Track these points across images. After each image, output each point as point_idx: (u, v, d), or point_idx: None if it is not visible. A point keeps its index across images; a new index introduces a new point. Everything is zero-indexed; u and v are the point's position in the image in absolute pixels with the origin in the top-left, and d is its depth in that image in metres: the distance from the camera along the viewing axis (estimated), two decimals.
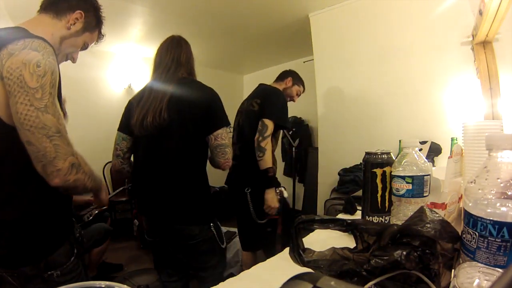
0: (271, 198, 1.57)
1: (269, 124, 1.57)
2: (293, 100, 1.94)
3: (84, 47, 0.95)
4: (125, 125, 1.24)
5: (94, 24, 0.93)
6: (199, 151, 1.18)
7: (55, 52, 0.76)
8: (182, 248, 1.22)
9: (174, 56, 1.21)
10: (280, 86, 1.85)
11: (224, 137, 1.16)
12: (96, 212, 2.18)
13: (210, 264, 1.26)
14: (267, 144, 1.55)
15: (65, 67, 0.91)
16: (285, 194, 1.67)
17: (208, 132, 1.14)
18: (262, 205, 1.59)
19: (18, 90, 0.68)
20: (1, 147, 0.73)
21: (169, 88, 1.14)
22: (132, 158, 1.31)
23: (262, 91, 1.75)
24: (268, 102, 1.64)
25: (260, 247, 1.79)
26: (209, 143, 1.16)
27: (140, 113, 1.14)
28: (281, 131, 1.94)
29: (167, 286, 1.33)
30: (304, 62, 3.82)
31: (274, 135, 1.71)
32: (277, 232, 1.66)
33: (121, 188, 2.94)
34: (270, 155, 1.57)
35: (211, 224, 1.22)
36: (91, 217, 2.09)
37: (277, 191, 1.65)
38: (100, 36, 1.00)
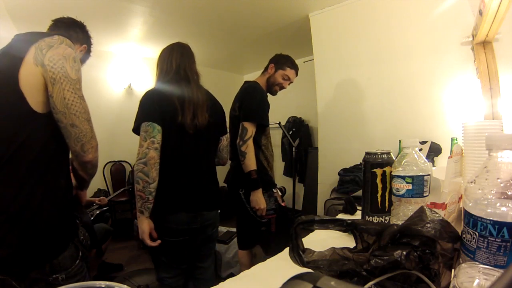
0: (256, 200, 1.58)
1: (249, 127, 1.58)
2: (283, 87, 1.81)
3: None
4: (159, 117, 1.16)
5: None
6: (216, 148, 1.42)
7: None
8: (208, 239, 1.35)
9: (193, 65, 1.35)
10: (264, 77, 1.79)
11: (228, 139, 1.46)
12: (98, 212, 2.19)
13: (212, 252, 1.46)
14: (247, 147, 1.56)
15: None
16: (280, 193, 1.73)
17: (223, 133, 1.41)
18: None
19: (64, 79, 0.78)
20: (22, 133, 0.76)
21: (203, 93, 1.29)
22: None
23: (241, 93, 1.73)
24: (245, 104, 1.63)
25: (254, 244, 1.81)
26: (220, 143, 1.41)
27: (187, 113, 1.20)
28: (281, 130, 1.99)
29: (171, 284, 1.30)
30: (304, 62, 3.82)
31: (264, 134, 1.71)
32: (271, 231, 1.68)
33: (122, 189, 2.95)
34: (252, 158, 1.57)
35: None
36: (92, 218, 2.10)
37: (274, 191, 1.68)
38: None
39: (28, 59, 0.76)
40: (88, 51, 1.16)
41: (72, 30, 1.07)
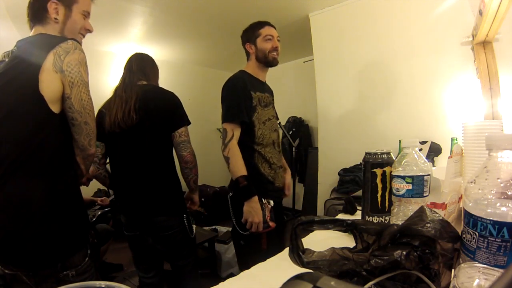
0: (249, 211, 1.32)
1: (227, 128, 1.37)
2: (276, 48, 1.49)
3: (87, 13, 0.99)
4: (99, 133, 1.20)
5: None
6: (167, 147, 1.37)
7: None
8: (161, 239, 1.36)
9: (139, 64, 1.44)
10: (251, 61, 1.55)
11: (186, 134, 1.38)
12: (99, 213, 2.19)
13: (185, 253, 1.43)
14: (229, 151, 1.34)
15: None
16: (271, 204, 1.42)
17: (172, 130, 1.35)
18: (241, 213, 1.36)
19: (81, 82, 0.89)
20: (41, 134, 0.83)
21: (133, 93, 1.32)
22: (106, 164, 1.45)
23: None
24: (221, 104, 1.45)
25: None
26: (173, 140, 1.36)
27: (110, 115, 1.30)
28: (281, 130, 1.77)
29: (144, 282, 1.44)
30: (304, 62, 3.83)
31: (254, 133, 1.43)
32: (261, 248, 1.39)
33: None
34: (237, 162, 1.33)
35: (184, 216, 1.41)
36: (94, 218, 2.10)
37: (264, 202, 1.38)
38: None
39: (48, 66, 0.82)
40: None
41: None
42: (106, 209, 2.27)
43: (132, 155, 1.31)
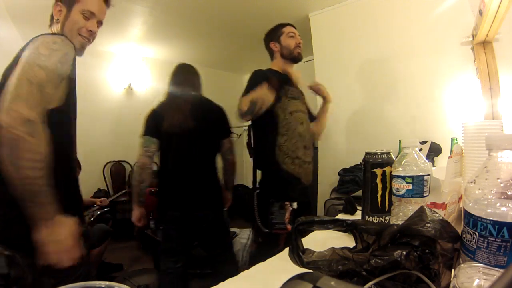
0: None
1: None
2: (299, 45, 1.56)
3: (89, 14, 0.96)
4: (154, 130, 1.44)
5: None
6: (215, 151, 1.57)
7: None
8: (205, 230, 1.53)
9: (190, 77, 1.60)
10: (276, 59, 1.61)
11: (232, 141, 1.60)
12: (98, 213, 2.19)
13: (224, 241, 1.63)
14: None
15: None
16: (293, 206, 1.41)
17: (223, 138, 1.57)
18: (265, 211, 1.41)
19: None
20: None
21: (188, 102, 1.48)
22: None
23: None
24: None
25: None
26: (222, 145, 1.57)
27: (168, 117, 1.43)
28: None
29: (171, 271, 1.51)
30: (304, 62, 3.80)
31: (271, 124, 1.49)
32: (278, 247, 1.39)
33: (123, 191, 2.95)
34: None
35: (224, 210, 1.61)
36: (92, 218, 2.10)
37: (286, 203, 1.40)
38: None
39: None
40: None
41: None
42: (105, 209, 2.27)
43: (187, 155, 1.46)
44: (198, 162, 1.48)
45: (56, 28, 0.94)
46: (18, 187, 0.71)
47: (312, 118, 1.68)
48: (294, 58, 1.56)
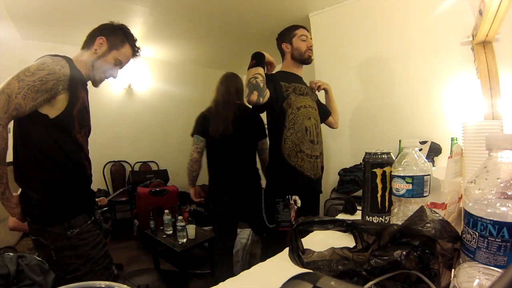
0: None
1: None
2: (310, 48, 1.58)
3: (118, 62, 1.16)
4: (202, 131, 1.86)
5: (118, 42, 1.14)
6: (253, 150, 1.94)
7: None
8: (252, 212, 1.86)
9: (234, 86, 1.93)
10: (287, 59, 1.62)
11: (266, 143, 1.77)
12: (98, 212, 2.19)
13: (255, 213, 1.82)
14: None
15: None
16: (298, 204, 1.43)
17: (258, 140, 1.91)
18: (272, 207, 1.47)
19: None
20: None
21: (231, 112, 1.82)
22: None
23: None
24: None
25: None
26: (258, 146, 1.92)
27: (213, 124, 1.81)
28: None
29: (224, 246, 1.93)
30: None
31: (280, 119, 1.51)
32: (282, 244, 1.47)
33: (121, 190, 2.96)
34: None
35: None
36: None
37: (291, 202, 1.44)
38: (135, 50, 1.21)
39: None
40: (115, 38, 1.14)
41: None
42: (105, 209, 2.27)
43: (228, 156, 1.85)
44: (241, 158, 1.86)
45: (88, 54, 1.11)
46: None
47: (327, 114, 1.78)
48: (304, 60, 1.60)
